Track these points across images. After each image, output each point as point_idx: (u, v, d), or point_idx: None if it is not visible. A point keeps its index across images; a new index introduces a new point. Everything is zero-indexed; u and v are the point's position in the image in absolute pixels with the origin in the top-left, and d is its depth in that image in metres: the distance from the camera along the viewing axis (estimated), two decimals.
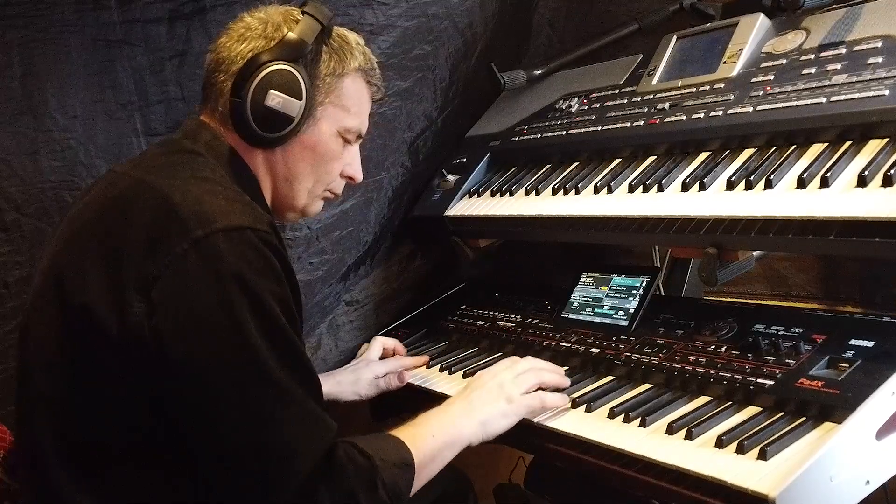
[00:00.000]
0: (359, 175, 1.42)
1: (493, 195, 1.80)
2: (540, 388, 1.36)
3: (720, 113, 1.45)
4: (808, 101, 1.32)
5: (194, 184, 1.12)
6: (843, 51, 1.37)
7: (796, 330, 1.32)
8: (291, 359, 1.07)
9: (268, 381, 1.04)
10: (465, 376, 1.61)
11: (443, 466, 1.24)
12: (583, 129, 1.72)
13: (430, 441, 1.22)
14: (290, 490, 1.03)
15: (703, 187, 1.38)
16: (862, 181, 1.16)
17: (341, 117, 1.33)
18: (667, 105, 1.57)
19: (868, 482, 1.03)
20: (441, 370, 1.67)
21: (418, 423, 1.25)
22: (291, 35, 1.24)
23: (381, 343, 1.78)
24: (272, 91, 1.22)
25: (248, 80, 1.22)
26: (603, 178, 1.60)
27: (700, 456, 1.11)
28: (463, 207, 1.84)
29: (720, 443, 1.12)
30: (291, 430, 1.05)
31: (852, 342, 1.22)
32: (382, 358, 1.76)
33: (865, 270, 1.82)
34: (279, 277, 1.08)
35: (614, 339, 1.53)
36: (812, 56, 1.41)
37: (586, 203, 1.56)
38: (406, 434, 1.21)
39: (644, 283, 1.60)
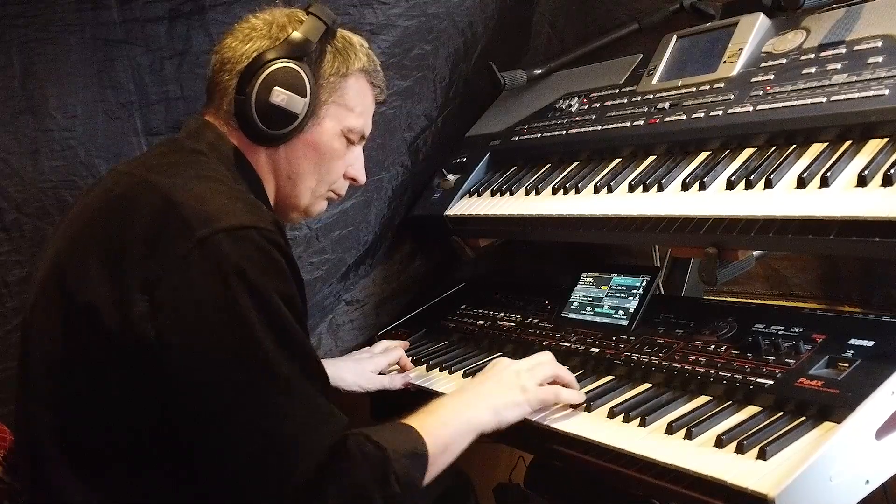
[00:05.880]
0: (362, 176, 1.43)
1: (493, 195, 1.80)
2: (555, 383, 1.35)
3: (720, 112, 1.45)
4: (808, 101, 1.32)
5: (197, 183, 1.13)
6: (843, 50, 1.37)
7: (796, 330, 1.31)
8: (299, 354, 1.06)
9: (274, 376, 1.03)
10: (464, 376, 1.61)
11: (457, 455, 1.21)
12: (583, 129, 1.72)
13: (443, 429, 1.20)
14: (297, 485, 1.02)
15: (703, 187, 1.38)
16: (862, 181, 1.16)
17: (344, 117, 1.33)
18: (667, 105, 1.57)
19: (868, 482, 1.03)
20: (441, 370, 1.67)
21: (431, 410, 1.24)
22: (296, 34, 1.25)
23: (385, 343, 1.80)
24: (277, 88, 1.22)
25: (253, 78, 1.23)
26: (603, 177, 1.60)
27: (700, 455, 1.11)
28: (463, 207, 1.84)
29: (720, 442, 1.12)
30: (299, 425, 1.04)
31: (852, 342, 1.22)
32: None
33: (865, 270, 1.82)
34: (285, 275, 1.08)
35: (614, 338, 1.53)
36: (812, 56, 1.41)
37: (586, 203, 1.56)
38: (419, 422, 1.19)
39: (644, 283, 1.60)
